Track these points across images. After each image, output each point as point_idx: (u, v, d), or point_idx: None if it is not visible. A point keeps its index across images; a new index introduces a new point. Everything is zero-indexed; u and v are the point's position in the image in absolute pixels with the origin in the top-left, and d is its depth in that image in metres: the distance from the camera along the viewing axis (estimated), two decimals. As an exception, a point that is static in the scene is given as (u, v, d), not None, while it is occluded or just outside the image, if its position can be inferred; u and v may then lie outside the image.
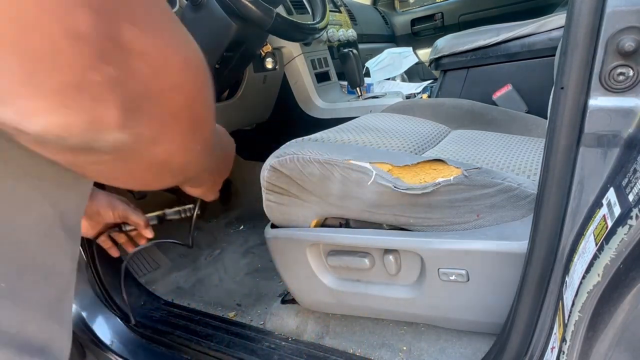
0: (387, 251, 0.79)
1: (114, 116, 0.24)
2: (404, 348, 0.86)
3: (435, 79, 1.87)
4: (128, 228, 0.79)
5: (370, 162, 0.74)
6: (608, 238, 0.40)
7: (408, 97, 1.73)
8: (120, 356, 0.98)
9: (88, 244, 1.03)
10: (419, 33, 2.92)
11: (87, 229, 0.76)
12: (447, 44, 1.57)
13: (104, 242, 0.80)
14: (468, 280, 0.72)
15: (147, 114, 0.27)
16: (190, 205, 0.83)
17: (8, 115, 0.23)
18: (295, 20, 1.17)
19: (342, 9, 2.18)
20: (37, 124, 0.23)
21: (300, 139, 0.89)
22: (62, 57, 0.22)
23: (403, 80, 2.09)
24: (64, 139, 0.24)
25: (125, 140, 0.26)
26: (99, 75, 0.23)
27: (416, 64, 2.15)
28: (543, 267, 0.54)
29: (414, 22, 2.92)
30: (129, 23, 0.24)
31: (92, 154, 0.26)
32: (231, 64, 1.23)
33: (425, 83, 1.94)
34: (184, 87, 0.29)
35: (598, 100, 0.45)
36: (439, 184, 0.69)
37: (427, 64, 1.77)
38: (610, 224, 0.41)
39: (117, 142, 0.26)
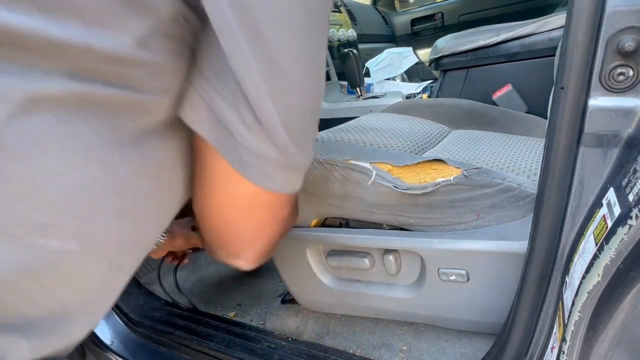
0: (387, 251, 0.79)
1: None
2: (404, 348, 0.86)
3: (435, 79, 1.87)
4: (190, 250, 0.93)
5: (370, 162, 0.74)
6: (608, 238, 0.40)
7: (408, 97, 1.73)
8: (120, 356, 0.98)
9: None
10: (419, 33, 2.92)
11: (157, 253, 0.88)
12: (447, 44, 1.57)
13: (170, 260, 0.95)
14: (468, 280, 0.72)
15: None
16: None
17: (240, 264, 0.47)
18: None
19: (342, 9, 2.18)
20: (249, 266, 0.48)
21: (300, 139, 0.89)
22: (271, 240, 0.47)
23: (403, 80, 2.09)
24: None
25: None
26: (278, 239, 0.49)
27: (416, 64, 2.15)
28: (543, 267, 0.54)
29: (414, 22, 2.92)
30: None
31: None
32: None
33: (425, 83, 1.94)
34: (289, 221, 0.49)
35: (598, 100, 0.45)
36: (439, 184, 0.69)
37: (427, 64, 1.77)
38: (610, 224, 0.41)
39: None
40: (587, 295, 0.42)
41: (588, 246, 0.44)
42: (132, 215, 0.35)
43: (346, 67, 1.76)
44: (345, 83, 1.92)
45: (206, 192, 0.41)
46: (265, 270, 1.31)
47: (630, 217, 0.37)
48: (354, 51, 1.75)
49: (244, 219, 0.42)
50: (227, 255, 0.47)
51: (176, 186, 0.40)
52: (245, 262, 0.47)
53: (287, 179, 0.40)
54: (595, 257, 0.42)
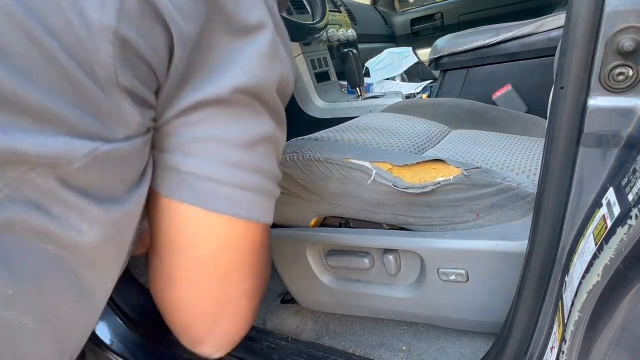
0: (387, 251, 0.79)
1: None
2: (404, 348, 0.86)
3: (435, 79, 1.87)
4: None
5: (370, 162, 0.74)
6: (608, 238, 0.40)
7: (408, 97, 1.73)
8: (120, 356, 0.98)
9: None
10: (419, 33, 2.92)
11: (141, 251, 0.86)
12: (447, 44, 1.57)
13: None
14: (468, 280, 0.72)
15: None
16: None
17: (208, 351, 0.42)
18: (295, 20, 1.17)
19: (342, 9, 2.18)
20: (220, 354, 0.42)
21: (301, 138, 0.89)
22: (244, 321, 0.41)
23: (403, 80, 2.09)
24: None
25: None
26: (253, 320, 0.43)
27: (416, 64, 2.14)
28: (543, 267, 0.54)
29: (414, 22, 2.92)
30: (264, 282, 0.44)
31: None
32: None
33: (425, 83, 1.94)
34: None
35: (598, 100, 0.45)
36: (439, 183, 0.69)
37: (427, 64, 1.77)
38: (610, 224, 0.41)
39: None
40: (587, 295, 0.42)
41: (588, 246, 0.44)
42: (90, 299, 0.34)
43: (346, 67, 1.76)
44: (345, 83, 1.92)
45: (161, 259, 0.37)
46: (265, 270, 1.31)
47: (630, 217, 0.37)
48: (354, 51, 1.75)
49: (203, 281, 0.36)
50: (190, 342, 0.42)
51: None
52: (213, 348, 0.41)
53: (256, 204, 0.36)
54: (595, 257, 0.42)
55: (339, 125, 1.02)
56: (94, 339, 1.00)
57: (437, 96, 1.62)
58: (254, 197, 0.36)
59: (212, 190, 0.33)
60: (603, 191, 0.46)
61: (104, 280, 0.35)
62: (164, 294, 0.39)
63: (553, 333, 0.53)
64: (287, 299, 1.06)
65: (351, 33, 2.06)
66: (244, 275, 0.38)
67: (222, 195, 0.34)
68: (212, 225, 0.35)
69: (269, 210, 0.38)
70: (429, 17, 2.87)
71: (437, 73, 1.77)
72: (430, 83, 1.91)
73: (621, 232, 0.38)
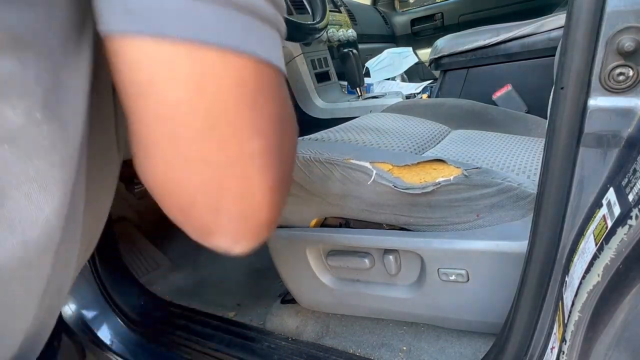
0: (387, 251, 0.79)
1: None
2: (404, 348, 0.86)
3: (435, 79, 1.87)
4: None
5: (370, 162, 0.74)
6: (608, 238, 0.40)
7: (408, 97, 1.73)
8: (120, 356, 0.98)
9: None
10: (419, 33, 2.92)
11: None
12: (447, 44, 1.57)
13: None
14: (468, 280, 0.72)
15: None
16: None
17: (224, 244, 0.30)
18: (295, 20, 1.17)
19: (342, 9, 2.18)
20: (240, 248, 0.31)
21: (301, 138, 0.89)
22: (262, 203, 0.29)
23: (403, 80, 2.09)
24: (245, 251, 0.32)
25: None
26: (278, 213, 0.31)
27: (416, 64, 2.15)
28: (543, 267, 0.54)
29: (414, 22, 2.92)
30: (290, 175, 0.31)
31: None
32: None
33: (425, 83, 1.94)
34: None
35: (598, 100, 0.45)
36: (439, 183, 0.69)
37: (427, 64, 1.77)
38: (610, 224, 0.41)
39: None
40: (587, 295, 0.42)
41: (588, 246, 0.44)
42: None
43: (346, 67, 1.76)
44: (345, 83, 1.92)
45: (131, 127, 0.27)
46: (265, 270, 1.31)
47: (630, 217, 0.37)
48: (354, 51, 1.75)
49: (184, 144, 0.26)
50: (198, 233, 0.31)
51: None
52: (227, 237, 0.31)
53: (235, 26, 0.24)
54: (595, 257, 0.42)
55: (339, 125, 1.02)
56: (94, 338, 1.00)
57: (437, 96, 1.63)
58: (231, 15, 0.24)
59: (158, 5, 0.22)
60: (603, 191, 0.46)
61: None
62: (146, 173, 0.29)
63: (553, 333, 0.53)
64: (287, 299, 1.06)
65: (351, 33, 2.06)
66: (240, 132, 0.27)
67: (178, 13, 0.23)
68: (172, 60, 0.24)
69: (265, 41, 0.26)
70: (429, 17, 2.87)
71: (437, 73, 1.77)
72: (430, 83, 1.91)
73: (621, 232, 0.38)
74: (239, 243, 0.31)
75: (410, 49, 2.21)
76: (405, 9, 3.06)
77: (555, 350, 0.49)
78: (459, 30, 1.70)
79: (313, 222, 0.85)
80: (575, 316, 0.43)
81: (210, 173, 0.28)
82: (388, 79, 2.05)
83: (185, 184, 0.28)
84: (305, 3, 1.71)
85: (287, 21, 1.20)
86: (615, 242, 0.39)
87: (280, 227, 0.89)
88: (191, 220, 0.31)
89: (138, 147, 0.28)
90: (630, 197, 0.39)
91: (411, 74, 2.29)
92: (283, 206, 0.31)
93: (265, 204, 0.30)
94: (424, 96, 1.72)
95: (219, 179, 0.28)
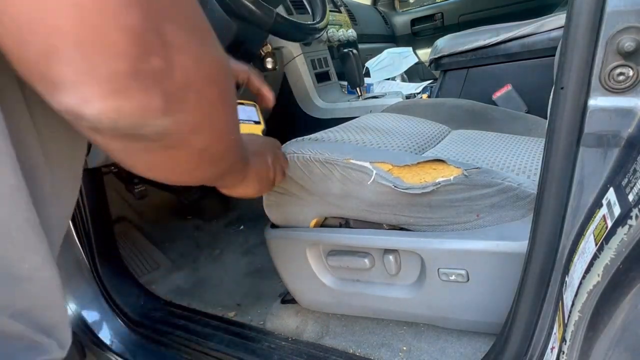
0: (387, 251, 0.79)
1: (159, 103, 0.27)
2: (404, 348, 0.86)
3: (435, 79, 1.87)
4: None
5: (370, 162, 0.74)
6: (608, 238, 0.40)
7: (408, 97, 1.73)
8: (120, 356, 0.98)
9: (88, 245, 1.03)
10: (419, 33, 2.92)
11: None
12: (447, 44, 1.57)
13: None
14: (468, 280, 0.72)
15: (189, 104, 0.29)
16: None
17: (71, 100, 0.25)
18: (295, 20, 1.17)
19: (342, 9, 2.18)
20: (93, 108, 0.25)
21: (301, 138, 0.89)
22: (116, 48, 0.24)
23: (403, 80, 2.09)
24: (116, 123, 0.26)
25: (170, 126, 0.29)
26: (146, 65, 0.25)
27: (416, 64, 2.15)
28: (543, 267, 0.54)
29: (414, 22, 2.92)
30: (171, 22, 0.26)
31: (141, 140, 0.29)
32: (231, 64, 1.23)
33: (425, 83, 1.93)
34: (218, 81, 0.32)
35: (598, 100, 0.45)
36: (439, 183, 0.69)
37: (427, 64, 1.77)
38: (610, 224, 0.41)
39: (163, 129, 0.29)
40: (587, 295, 0.42)
41: (588, 246, 0.44)
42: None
43: (346, 67, 1.76)
44: (345, 83, 1.92)
45: None
46: (265, 270, 1.31)
47: (630, 217, 0.37)
48: (354, 51, 1.75)
49: None
50: (43, 88, 0.25)
51: None
52: (75, 94, 0.24)
53: None
54: (595, 257, 0.42)
55: (339, 125, 1.02)
56: (94, 339, 1.00)
57: (437, 96, 1.62)
58: None
59: None
60: (603, 191, 0.46)
61: None
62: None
63: (553, 333, 0.53)
64: (287, 299, 1.06)
65: (351, 33, 2.06)
66: None
67: None
68: None
69: None
70: (429, 17, 2.87)
71: (437, 73, 1.77)
72: (430, 83, 1.91)
73: (621, 232, 0.38)
74: (88, 102, 0.25)
75: (410, 49, 2.21)
76: (405, 9, 3.06)
77: (556, 350, 0.49)
78: (459, 30, 1.70)
79: (313, 222, 0.85)
80: (575, 316, 0.43)
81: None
82: (388, 79, 2.05)
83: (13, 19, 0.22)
84: (305, 3, 1.71)
85: (287, 21, 1.20)
86: (615, 242, 0.39)
87: (281, 227, 0.89)
88: (30, 69, 0.25)
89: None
90: (630, 197, 0.39)
91: (411, 74, 2.29)
92: (160, 52, 0.26)
93: (122, 47, 0.24)
94: (424, 96, 1.72)
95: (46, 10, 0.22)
